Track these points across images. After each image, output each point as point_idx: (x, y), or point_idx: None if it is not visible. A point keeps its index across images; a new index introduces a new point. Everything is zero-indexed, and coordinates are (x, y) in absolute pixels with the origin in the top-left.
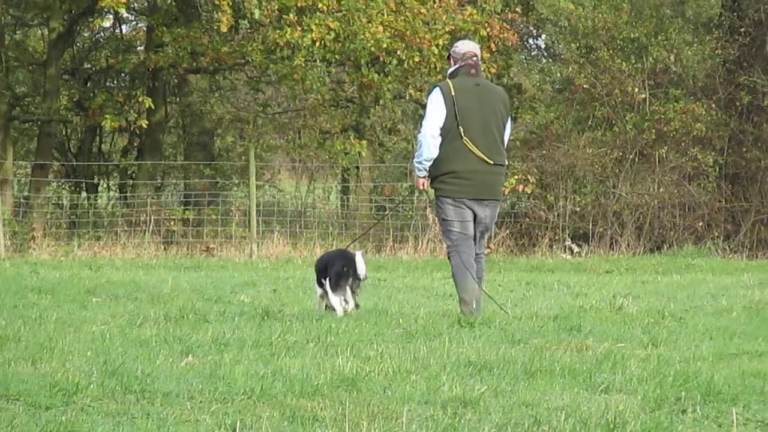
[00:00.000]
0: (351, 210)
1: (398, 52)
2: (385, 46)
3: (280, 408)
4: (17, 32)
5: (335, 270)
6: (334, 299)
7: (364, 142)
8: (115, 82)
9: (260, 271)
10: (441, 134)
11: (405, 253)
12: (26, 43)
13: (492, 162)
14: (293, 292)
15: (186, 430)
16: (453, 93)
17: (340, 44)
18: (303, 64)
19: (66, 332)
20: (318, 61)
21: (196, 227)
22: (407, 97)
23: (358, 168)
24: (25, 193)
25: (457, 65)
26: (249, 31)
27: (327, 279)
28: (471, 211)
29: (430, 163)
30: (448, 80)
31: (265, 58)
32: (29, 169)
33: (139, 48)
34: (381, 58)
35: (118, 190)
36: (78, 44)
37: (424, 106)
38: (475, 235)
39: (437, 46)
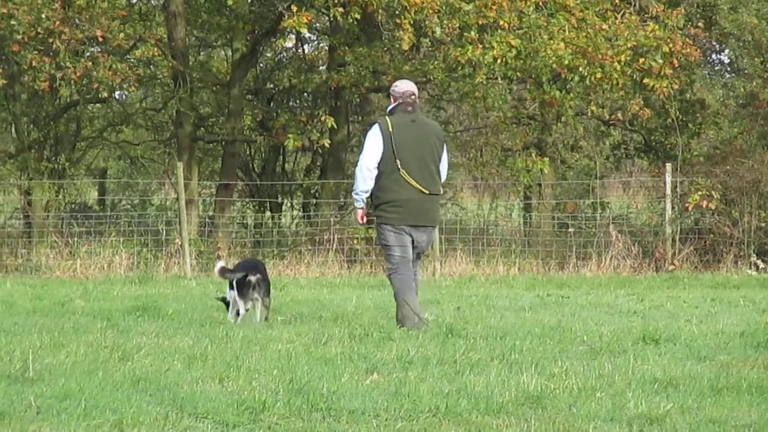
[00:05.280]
0: (533, 227)
1: (580, 69)
2: (566, 62)
3: (465, 425)
4: (201, 53)
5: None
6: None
7: (546, 159)
8: (298, 101)
9: (443, 289)
10: (380, 167)
11: (588, 270)
12: (210, 64)
13: (428, 192)
14: (476, 309)
15: None
16: (390, 129)
17: (521, 61)
18: (484, 82)
19: (252, 351)
20: (499, 78)
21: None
22: (589, 114)
23: (540, 185)
24: (210, 213)
25: (396, 103)
26: (430, 49)
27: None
28: (409, 236)
29: (366, 194)
30: (386, 117)
31: (447, 76)
32: (214, 189)
33: (321, 67)
34: (562, 75)
35: (301, 209)
36: (261, 64)
37: (604, 123)
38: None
39: (619, 62)
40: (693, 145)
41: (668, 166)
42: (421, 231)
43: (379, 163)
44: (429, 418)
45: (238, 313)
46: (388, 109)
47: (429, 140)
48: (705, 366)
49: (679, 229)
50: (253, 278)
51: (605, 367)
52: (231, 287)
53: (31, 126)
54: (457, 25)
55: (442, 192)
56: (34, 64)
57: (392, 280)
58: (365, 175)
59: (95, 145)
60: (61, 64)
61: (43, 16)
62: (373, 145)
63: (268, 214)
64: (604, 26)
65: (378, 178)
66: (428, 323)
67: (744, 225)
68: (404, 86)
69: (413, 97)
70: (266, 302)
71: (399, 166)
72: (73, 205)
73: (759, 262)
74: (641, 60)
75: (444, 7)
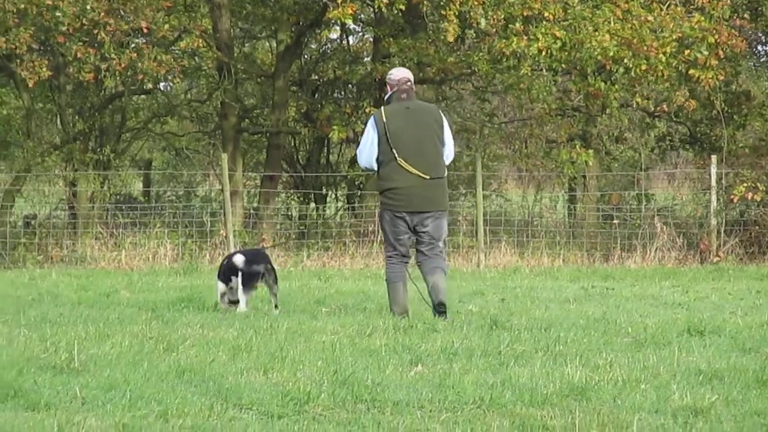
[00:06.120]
0: (578, 219)
1: (625, 61)
2: (611, 54)
3: (509, 417)
4: (246, 45)
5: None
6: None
7: (591, 150)
8: (342, 93)
9: (488, 281)
10: (379, 157)
11: (633, 262)
12: (255, 55)
13: (428, 177)
14: (521, 301)
15: None
16: (385, 119)
17: (566, 53)
18: (529, 74)
19: (297, 342)
20: (544, 70)
21: None
22: (634, 106)
23: (584, 177)
24: (255, 205)
25: (392, 91)
26: (475, 40)
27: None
28: (408, 224)
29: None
30: (382, 107)
31: (491, 67)
32: (259, 180)
33: (365, 59)
34: (607, 67)
35: (346, 201)
36: (305, 56)
37: (649, 114)
38: (423, 242)
39: (664, 53)
40: (738, 136)
41: (713, 157)
42: (425, 217)
43: (378, 154)
44: (473, 410)
45: (230, 301)
46: (385, 98)
47: (427, 124)
48: (750, 358)
49: (724, 221)
50: (261, 268)
51: (650, 358)
52: (225, 278)
53: (77, 117)
54: (502, 16)
55: (446, 175)
56: (79, 55)
57: (386, 266)
58: (368, 167)
59: (140, 137)
60: (106, 55)
61: (88, 7)
62: (367, 139)
63: (312, 205)
64: (650, 18)
65: (379, 167)
66: (409, 315)
67: None
68: (399, 74)
69: (408, 83)
70: (275, 290)
71: (396, 155)
72: (118, 196)
73: None
74: (686, 51)
75: None
